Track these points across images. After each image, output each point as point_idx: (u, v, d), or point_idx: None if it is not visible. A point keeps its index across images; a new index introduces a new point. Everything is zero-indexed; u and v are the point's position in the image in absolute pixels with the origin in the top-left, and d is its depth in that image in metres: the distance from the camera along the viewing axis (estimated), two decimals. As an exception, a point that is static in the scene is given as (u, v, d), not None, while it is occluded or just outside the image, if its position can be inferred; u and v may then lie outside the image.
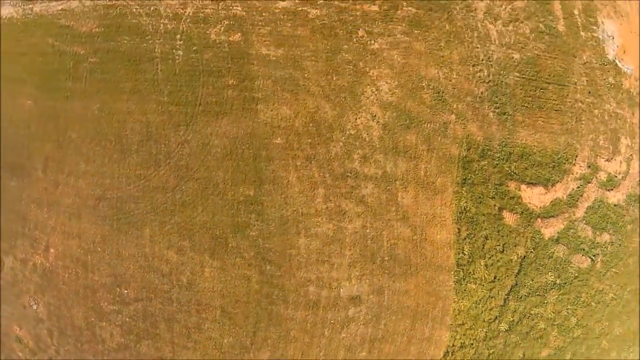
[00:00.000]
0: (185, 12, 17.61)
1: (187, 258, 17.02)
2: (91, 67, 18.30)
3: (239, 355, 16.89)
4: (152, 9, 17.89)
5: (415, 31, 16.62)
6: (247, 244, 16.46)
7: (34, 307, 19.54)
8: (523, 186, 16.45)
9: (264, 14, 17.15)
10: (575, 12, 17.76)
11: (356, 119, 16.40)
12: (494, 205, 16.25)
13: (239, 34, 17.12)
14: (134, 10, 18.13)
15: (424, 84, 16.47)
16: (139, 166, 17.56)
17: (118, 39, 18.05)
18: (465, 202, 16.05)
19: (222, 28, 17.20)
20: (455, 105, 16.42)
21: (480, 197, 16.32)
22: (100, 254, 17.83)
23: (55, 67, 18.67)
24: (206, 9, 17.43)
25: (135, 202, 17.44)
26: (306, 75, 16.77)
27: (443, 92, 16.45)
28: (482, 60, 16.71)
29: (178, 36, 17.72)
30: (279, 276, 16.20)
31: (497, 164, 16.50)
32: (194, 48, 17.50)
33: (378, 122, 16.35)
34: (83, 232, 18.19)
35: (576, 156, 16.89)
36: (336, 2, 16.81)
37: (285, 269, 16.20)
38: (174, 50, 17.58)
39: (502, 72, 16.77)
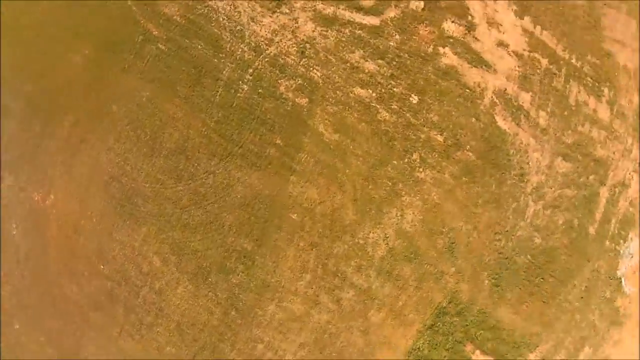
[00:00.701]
0: (267, 49, 17.11)
1: (168, 270, 17.95)
2: (157, 53, 17.73)
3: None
4: (237, 28, 17.25)
5: (464, 178, 16.73)
6: (224, 286, 17.50)
7: (14, 232, 19.90)
8: (478, 352, 17.28)
9: (338, 91, 16.86)
10: (613, 220, 17.69)
11: (370, 232, 16.88)
12: (445, 356, 17.21)
13: (307, 99, 16.89)
14: (220, 20, 17.43)
15: (443, 230, 16.85)
16: (161, 171, 17.84)
17: (194, 40, 17.48)
18: (422, 343, 17.13)
19: (294, 85, 16.96)
20: (460, 262, 16.94)
21: (436, 345, 17.24)
22: (94, 225, 18.36)
23: (121, 35, 17.79)
24: (288, 57, 16.99)
25: (144, 200, 17.84)
26: (347, 171, 16.98)
27: (456, 245, 16.87)
28: (507, 231, 16.92)
29: (250, 70, 17.38)
30: (238, 324, 17.36)
31: (467, 325, 17.28)
32: (260, 91, 17.28)
33: (387, 244, 16.88)
34: (86, 199, 18.52)
35: (537, 347, 17.54)
36: (408, 115, 16.67)
37: (247, 322, 17.35)
38: (240, 82, 17.32)
39: (517, 249, 17.06)
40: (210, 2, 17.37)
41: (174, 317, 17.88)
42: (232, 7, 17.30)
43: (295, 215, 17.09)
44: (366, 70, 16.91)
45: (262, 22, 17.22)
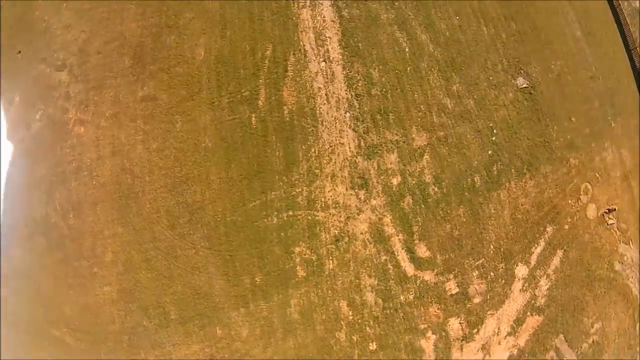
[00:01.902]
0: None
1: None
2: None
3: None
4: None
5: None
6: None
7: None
8: None
9: (329, 290, 16.07)
10: None
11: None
12: None
13: (305, 273, 15.89)
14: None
15: None
16: (178, 206, 17.15)
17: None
18: None
19: (307, 254, 15.87)
20: None
21: None
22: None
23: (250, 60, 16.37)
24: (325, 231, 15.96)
25: (151, 204, 17.22)
26: None
27: None
28: None
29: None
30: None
31: None
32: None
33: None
34: (114, 151, 17.70)
35: None
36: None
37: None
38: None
39: None
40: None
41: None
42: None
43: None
44: (363, 297, 16.65)
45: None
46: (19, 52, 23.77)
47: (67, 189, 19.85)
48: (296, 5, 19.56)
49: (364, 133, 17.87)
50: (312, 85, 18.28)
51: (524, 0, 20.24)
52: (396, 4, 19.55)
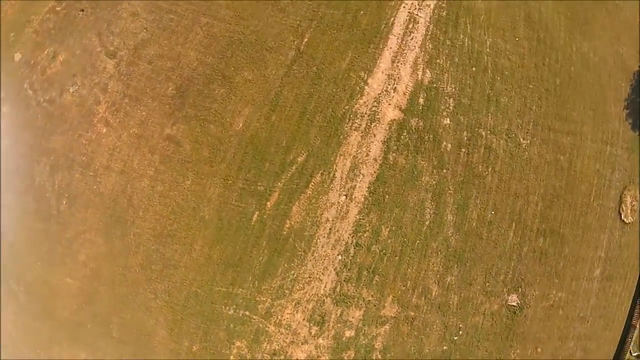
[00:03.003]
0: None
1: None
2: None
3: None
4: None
5: None
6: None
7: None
8: None
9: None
10: None
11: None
12: None
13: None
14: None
15: None
16: (156, 253, 17.65)
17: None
18: None
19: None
20: None
21: None
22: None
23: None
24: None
25: (134, 237, 17.56)
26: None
27: None
28: None
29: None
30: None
31: None
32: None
33: None
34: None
35: None
36: None
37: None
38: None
39: None
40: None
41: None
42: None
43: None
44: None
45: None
46: (82, 10, 22.86)
47: (70, 177, 20.38)
48: (349, 125, 18.65)
49: (344, 280, 18.09)
50: (322, 214, 18.05)
51: (565, 228, 19.28)
52: (443, 172, 18.63)
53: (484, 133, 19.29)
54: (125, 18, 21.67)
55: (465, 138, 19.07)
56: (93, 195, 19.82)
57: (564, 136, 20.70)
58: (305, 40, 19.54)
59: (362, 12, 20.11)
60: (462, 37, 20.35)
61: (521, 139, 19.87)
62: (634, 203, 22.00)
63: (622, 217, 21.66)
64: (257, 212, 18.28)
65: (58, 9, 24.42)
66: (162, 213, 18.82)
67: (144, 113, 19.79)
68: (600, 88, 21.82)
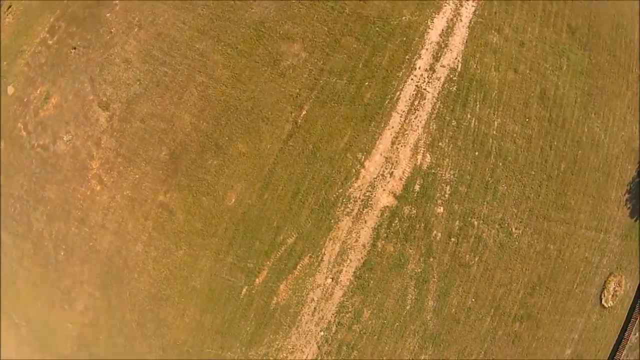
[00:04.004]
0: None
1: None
2: None
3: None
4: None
5: None
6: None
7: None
8: None
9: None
10: None
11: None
12: None
13: None
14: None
15: None
16: (151, 313, 18.46)
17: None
18: None
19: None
20: None
21: None
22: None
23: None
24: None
25: (130, 295, 18.00)
26: None
27: None
28: None
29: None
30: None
31: None
32: None
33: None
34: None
35: None
36: None
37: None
38: None
39: None
40: None
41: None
42: None
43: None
44: None
45: None
46: (74, 47, 21.45)
47: (66, 229, 20.73)
48: (341, 210, 18.29)
49: (325, 354, 19.06)
50: (308, 294, 18.54)
51: (543, 314, 19.45)
52: (430, 260, 18.63)
53: (476, 223, 19.20)
54: (118, 65, 20.53)
55: (457, 227, 19.04)
56: (89, 251, 20.46)
57: (558, 225, 20.48)
58: (304, 112, 18.79)
59: (367, 83, 19.03)
60: (469, 117, 19.40)
61: (513, 229, 19.79)
62: (616, 289, 22.33)
63: (602, 301, 22.10)
64: (246, 287, 18.94)
65: (50, 42, 23.04)
66: (156, 277, 19.58)
67: (137, 176, 19.70)
68: (604, 173, 21.04)
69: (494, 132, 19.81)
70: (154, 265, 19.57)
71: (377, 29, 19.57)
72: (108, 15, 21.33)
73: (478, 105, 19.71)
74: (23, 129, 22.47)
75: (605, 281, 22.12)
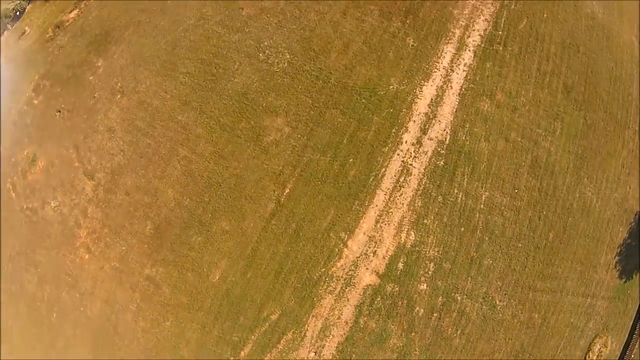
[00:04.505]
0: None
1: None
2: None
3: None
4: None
5: None
6: None
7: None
8: None
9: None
10: None
11: None
12: None
13: None
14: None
15: None
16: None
17: None
18: None
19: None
20: None
21: None
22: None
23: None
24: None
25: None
26: None
27: None
28: None
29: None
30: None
31: None
32: None
33: None
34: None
35: None
36: None
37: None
38: None
39: None
40: None
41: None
42: None
43: None
44: None
45: None
46: (59, 110, 21.14)
47: (58, 293, 21.11)
48: (324, 288, 18.22)
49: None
50: (292, 367, 18.89)
51: None
52: (412, 335, 18.67)
53: (459, 297, 19.16)
54: (102, 133, 20.33)
55: (440, 303, 19.04)
56: (81, 316, 21.00)
57: (544, 294, 20.38)
58: (287, 191, 18.55)
59: (351, 160, 18.63)
60: (456, 191, 19.01)
61: (497, 301, 19.72)
62: (601, 350, 22.43)
63: (586, 362, 22.32)
64: (231, 358, 19.49)
65: (35, 101, 22.80)
66: (146, 346, 20.05)
67: (123, 248, 19.87)
68: (594, 238, 20.63)
69: (481, 206, 19.50)
70: (143, 334, 20.10)
71: (363, 100, 19.07)
72: (91, 78, 21.00)
73: (466, 179, 19.33)
74: (12, 190, 22.73)
75: (590, 343, 22.38)
